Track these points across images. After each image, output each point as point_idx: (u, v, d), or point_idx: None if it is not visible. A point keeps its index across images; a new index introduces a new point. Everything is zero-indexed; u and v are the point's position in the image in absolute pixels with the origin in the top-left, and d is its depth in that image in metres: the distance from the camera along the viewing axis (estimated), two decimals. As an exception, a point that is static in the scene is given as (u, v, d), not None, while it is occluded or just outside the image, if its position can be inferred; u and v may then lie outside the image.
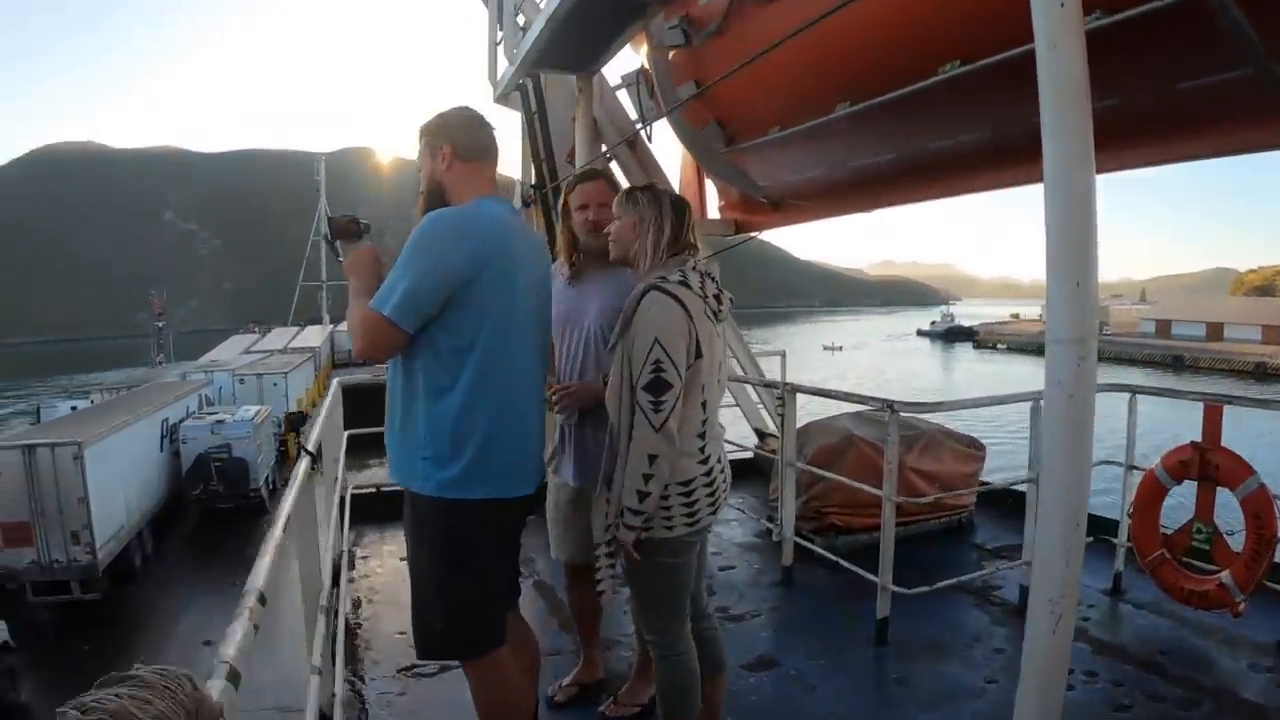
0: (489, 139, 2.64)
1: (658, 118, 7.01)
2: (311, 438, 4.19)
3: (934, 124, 4.65)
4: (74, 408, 23.19)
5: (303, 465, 3.51)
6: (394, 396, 2.57)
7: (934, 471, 5.88)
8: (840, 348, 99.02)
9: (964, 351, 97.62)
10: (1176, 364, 70.47)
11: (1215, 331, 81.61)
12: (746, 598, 4.91)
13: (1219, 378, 62.20)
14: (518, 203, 7.84)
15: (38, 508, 13.70)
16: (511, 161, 8.53)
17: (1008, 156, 4.36)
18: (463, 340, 2.43)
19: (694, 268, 2.64)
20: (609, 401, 2.63)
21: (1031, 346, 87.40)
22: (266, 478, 20.36)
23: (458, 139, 2.59)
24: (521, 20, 7.31)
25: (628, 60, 7.50)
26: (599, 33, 6.22)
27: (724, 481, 2.74)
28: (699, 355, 2.53)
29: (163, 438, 18.72)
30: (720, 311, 2.67)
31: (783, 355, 7.91)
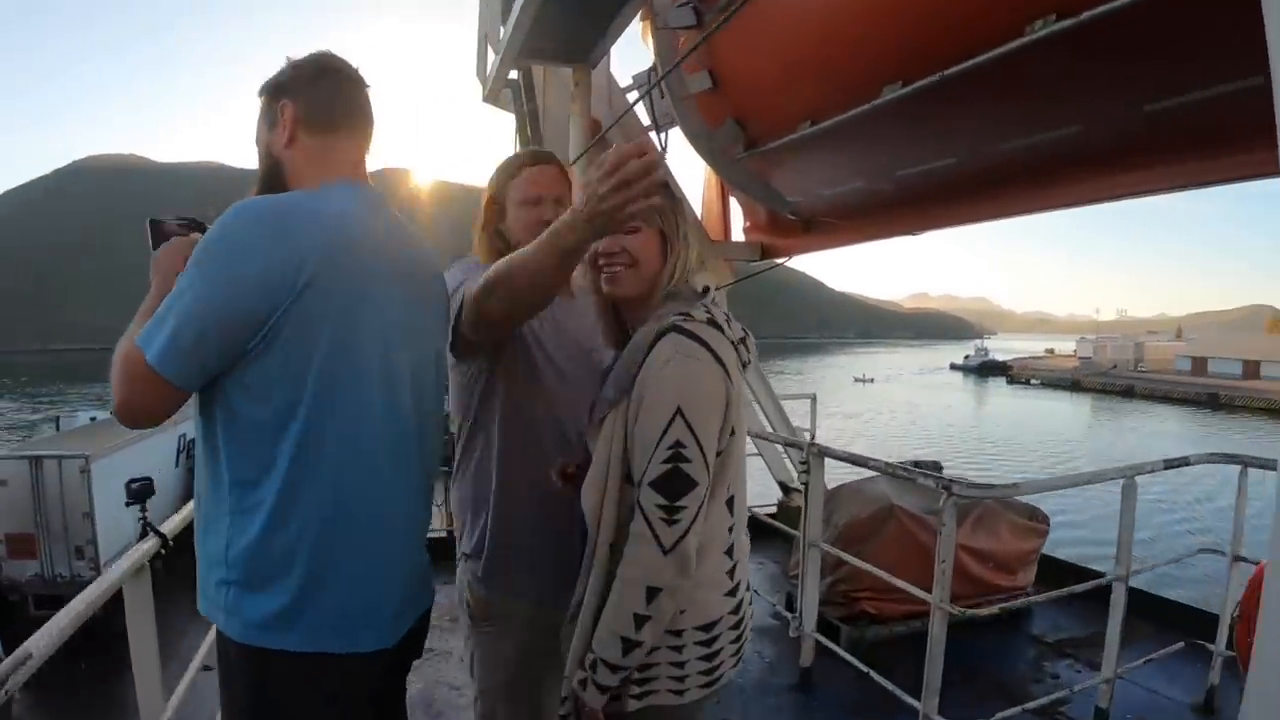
0: (353, 101, 1.75)
1: (671, 125, 5.99)
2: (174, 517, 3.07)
3: (1015, 111, 3.56)
4: (93, 418, 23.08)
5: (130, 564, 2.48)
6: (197, 485, 1.66)
7: (989, 550, 5.06)
8: (872, 380, 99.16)
9: (997, 386, 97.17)
10: (1212, 402, 69.86)
11: (1252, 370, 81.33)
12: (753, 709, 4.06)
13: (1258, 418, 61.43)
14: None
15: (43, 520, 13.53)
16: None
17: (1120, 155, 3.31)
18: (271, 406, 1.51)
19: (714, 300, 1.85)
20: (586, 495, 1.80)
21: (1065, 382, 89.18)
22: None
23: (305, 99, 1.70)
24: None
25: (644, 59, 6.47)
26: (593, 13, 5.19)
27: (751, 615, 1.96)
28: (732, 432, 1.75)
29: (179, 453, 18.17)
30: (749, 362, 1.87)
31: (812, 401, 6.92)
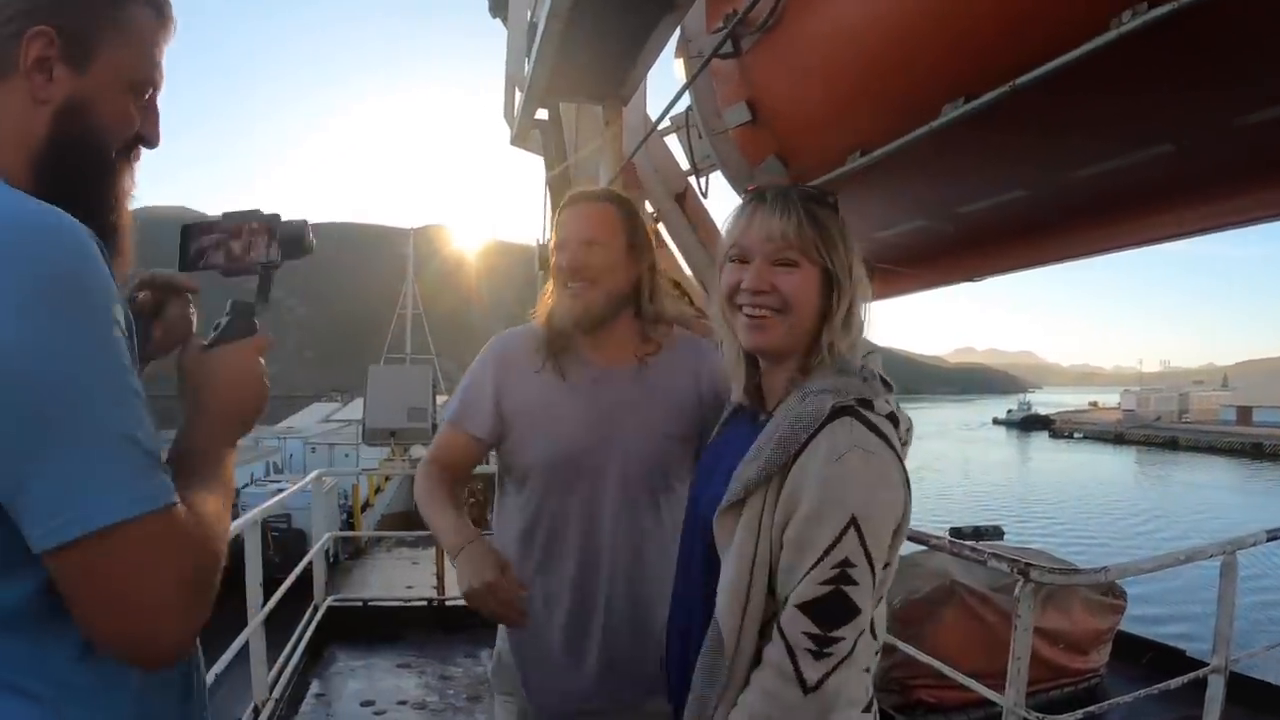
0: None
1: (713, 168, 5.63)
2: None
3: (1096, 127, 3.10)
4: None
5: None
6: None
7: (1060, 630, 4.68)
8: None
9: (1040, 440, 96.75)
10: (1256, 452, 70.26)
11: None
12: None
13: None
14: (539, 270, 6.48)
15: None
16: (533, 217, 7.35)
17: (1221, 178, 2.85)
18: None
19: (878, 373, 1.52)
20: (724, 605, 1.45)
21: (1108, 434, 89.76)
22: (327, 549, 19.54)
23: None
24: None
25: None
26: (618, 44, 4.86)
27: None
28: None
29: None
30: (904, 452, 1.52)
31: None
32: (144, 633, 0.95)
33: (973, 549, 3.43)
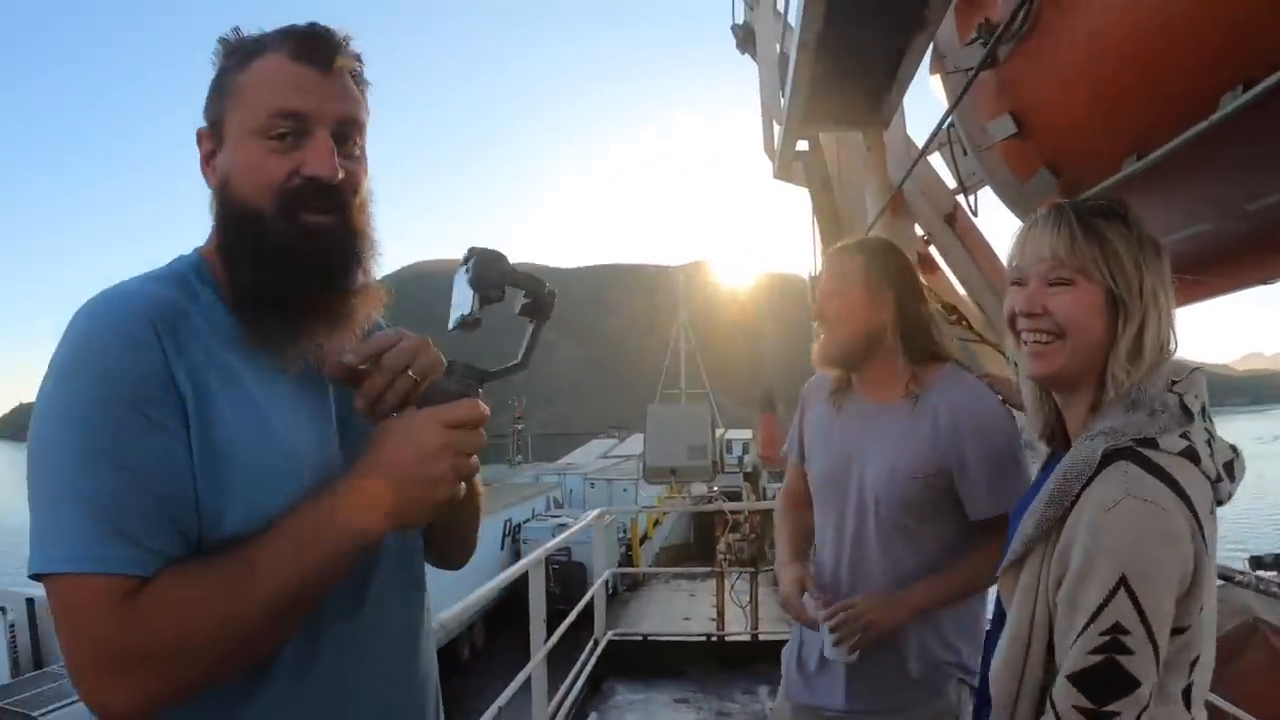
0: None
1: (981, 185, 5.38)
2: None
3: None
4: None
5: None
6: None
7: None
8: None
9: None
10: None
11: None
12: None
13: None
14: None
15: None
16: (802, 251, 7.35)
17: None
18: None
19: (1197, 401, 1.33)
20: (998, 671, 1.36)
21: None
22: (606, 582, 20.53)
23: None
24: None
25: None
26: (869, 68, 4.76)
27: None
28: (1201, 608, 1.25)
29: (504, 536, 19.75)
30: (1227, 498, 1.32)
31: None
32: (77, 686, 0.98)
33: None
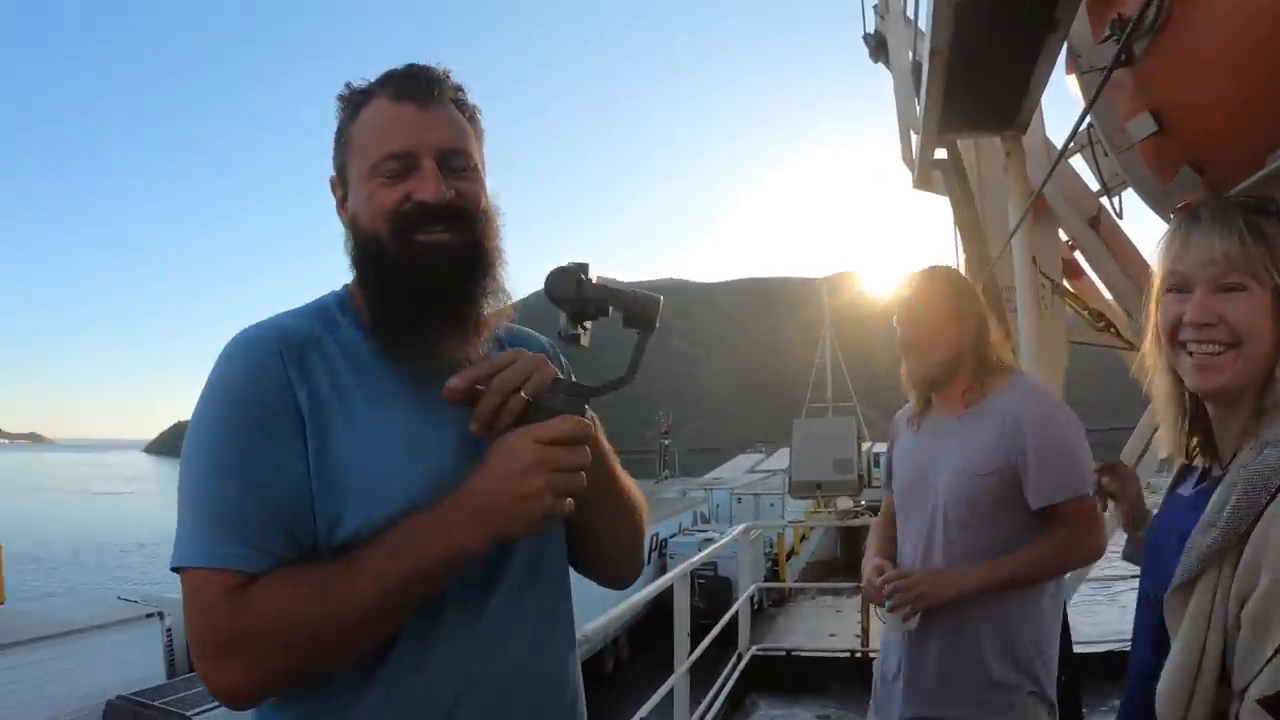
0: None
1: (1123, 186, 5.19)
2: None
3: None
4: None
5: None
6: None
7: None
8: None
9: None
10: None
11: None
12: None
13: None
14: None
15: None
16: (946, 258, 7.15)
17: None
18: None
19: None
20: (1165, 700, 1.24)
21: None
22: (751, 597, 20.47)
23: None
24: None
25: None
26: (1002, 72, 4.69)
27: None
28: None
29: (650, 551, 19.82)
30: None
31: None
32: (196, 667, 1.12)
33: None
